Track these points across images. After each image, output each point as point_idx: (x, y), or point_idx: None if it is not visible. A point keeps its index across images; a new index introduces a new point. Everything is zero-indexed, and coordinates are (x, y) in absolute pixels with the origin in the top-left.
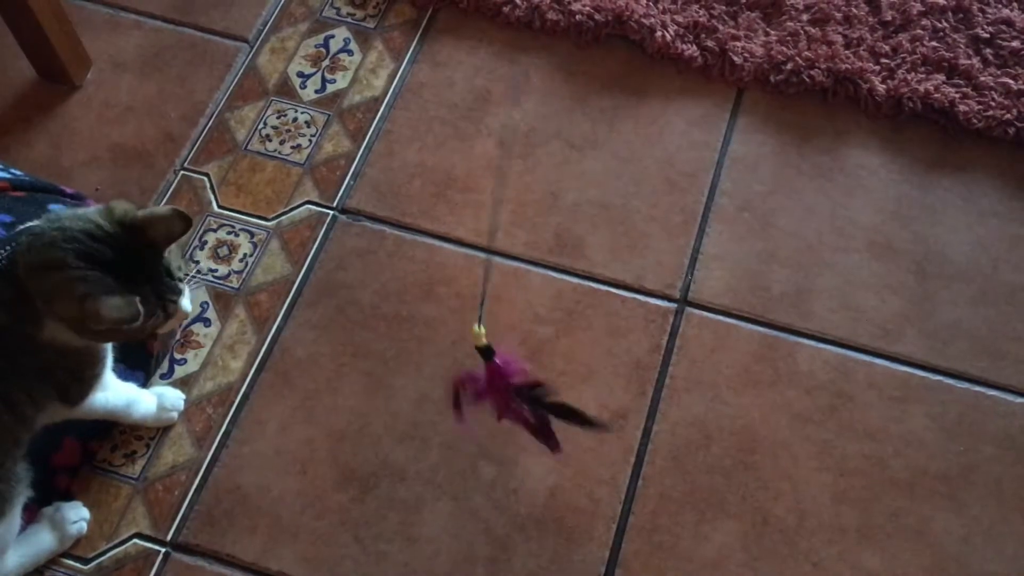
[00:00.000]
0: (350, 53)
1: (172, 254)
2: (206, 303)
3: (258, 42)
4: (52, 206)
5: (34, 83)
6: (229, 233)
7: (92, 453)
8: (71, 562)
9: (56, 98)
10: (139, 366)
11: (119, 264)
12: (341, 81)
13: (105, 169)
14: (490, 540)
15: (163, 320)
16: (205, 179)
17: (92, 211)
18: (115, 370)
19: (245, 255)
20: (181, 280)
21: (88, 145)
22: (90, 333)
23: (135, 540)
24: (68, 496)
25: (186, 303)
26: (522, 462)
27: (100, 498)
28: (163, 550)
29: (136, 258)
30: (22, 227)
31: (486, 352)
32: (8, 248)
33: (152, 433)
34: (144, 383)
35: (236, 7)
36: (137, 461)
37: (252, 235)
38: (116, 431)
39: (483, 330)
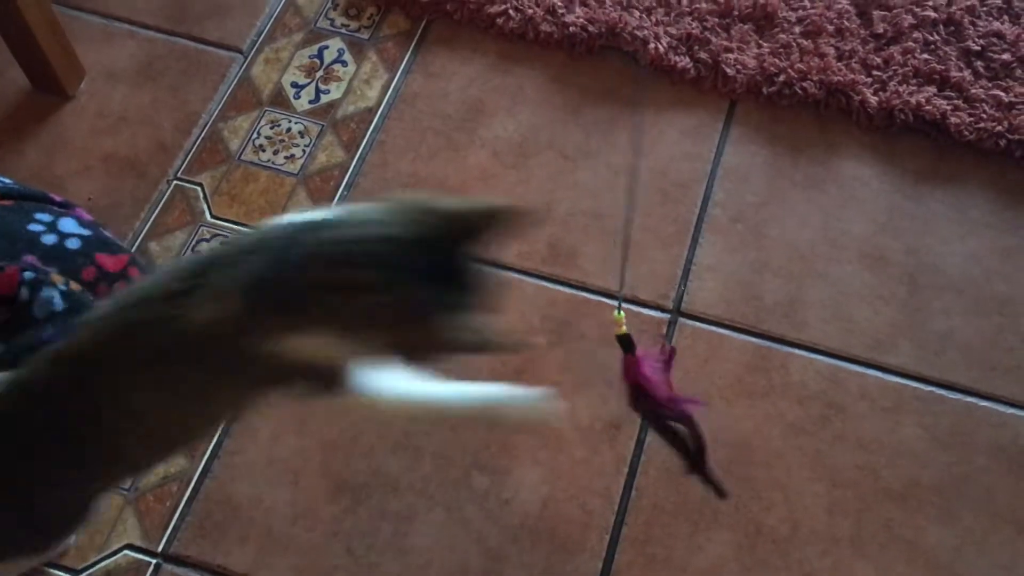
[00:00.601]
0: (344, 64)
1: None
2: None
3: (252, 52)
4: (38, 215)
5: (27, 93)
6: (222, 243)
7: None
8: (61, 573)
9: (49, 108)
10: None
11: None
12: (335, 91)
13: (98, 179)
14: (483, 551)
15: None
16: (198, 189)
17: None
18: None
19: None
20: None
21: (81, 155)
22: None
23: (126, 551)
24: None
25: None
26: (515, 472)
27: None
28: (154, 561)
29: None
30: None
31: (625, 342)
32: None
33: None
34: None
35: (230, 17)
36: None
37: None
38: None
39: (622, 316)
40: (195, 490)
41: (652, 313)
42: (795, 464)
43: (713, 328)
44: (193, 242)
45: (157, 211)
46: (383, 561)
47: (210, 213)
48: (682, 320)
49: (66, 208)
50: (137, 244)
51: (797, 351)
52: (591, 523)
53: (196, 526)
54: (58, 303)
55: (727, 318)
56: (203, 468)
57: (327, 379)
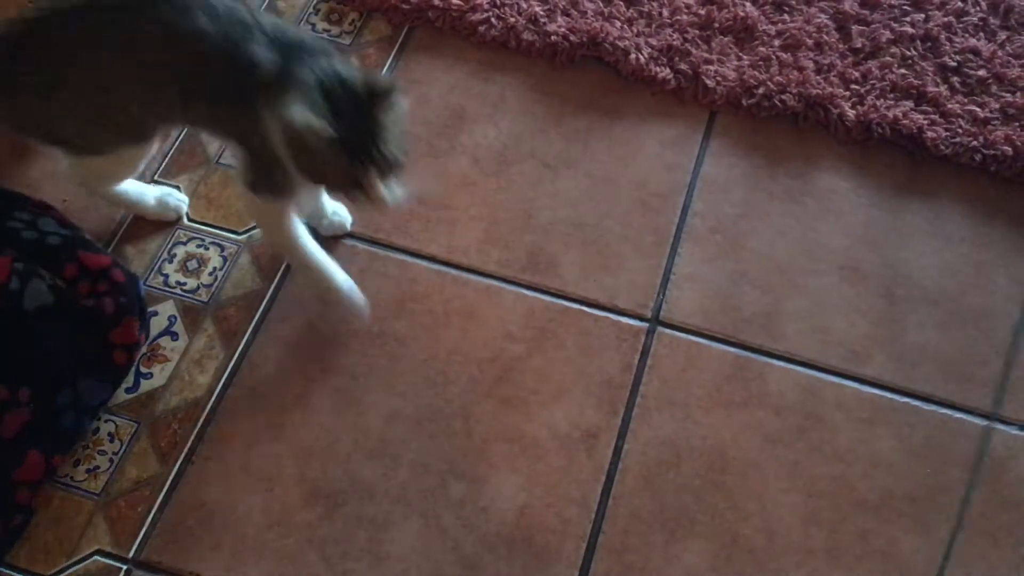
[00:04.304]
0: None
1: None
2: (174, 317)
3: None
4: (17, 213)
5: None
6: (199, 246)
7: (54, 468)
8: None
9: None
10: (105, 379)
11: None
12: None
13: (73, 181)
14: (459, 559)
15: (355, 186)
16: (176, 192)
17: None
18: (81, 386)
19: (215, 269)
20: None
21: (57, 156)
22: (293, 146)
23: (96, 557)
24: (29, 511)
25: (389, 194)
26: (492, 480)
27: (61, 514)
28: (124, 567)
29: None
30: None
31: None
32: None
33: (116, 448)
34: (111, 395)
35: None
36: (100, 476)
37: (222, 249)
38: (80, 446)
39: None
40: (168, 496)
41: (631, 322)
42: (772, 474)
43: (691, 338)
44: (169, 245)
45: (133, 216)
46: (358, 568)
47: (187, 216)
48: (660, 329)
49: (43, 210)
50: (113, 246)
51: (775, 361)
52: (568, 531)
53: (168, 532)
54: (48, 297)
55: (705, 328)
56: (176, 473)
57: (273, 171)
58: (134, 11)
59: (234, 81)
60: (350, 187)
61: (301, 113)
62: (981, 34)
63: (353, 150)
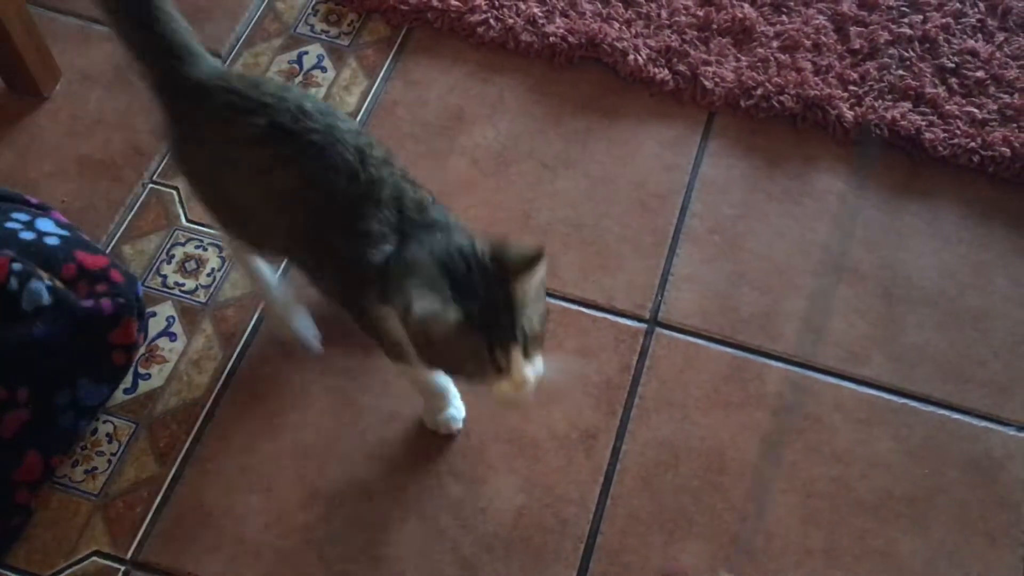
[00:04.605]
0: (324, 70)
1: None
2: (172, 317)
3: (231, 57)
4: (15, 214)
5: (1, 94)
6: (197, 247)
7: (53, 468)
8: None
9: (24, 109)
10: (104, 379)
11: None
12: None
13: (72, 181)
14: (457, 559)
15: (494, 370)
16: (174, 193)
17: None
18: (79, 386)
19: (213, 270)
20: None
21: (55, 157)
22: (417, 337)
23: (94, 557)
24: (27, 512)
25: (529, 371)
26: (491, 481)
27: (59, 514)
28: (122, 568)
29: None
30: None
31: None
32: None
33: (114, 449)
34: (109, 396)
35: (209, 22)
36: (98, 477)
37: (221, 250)
38: (78, 446)
39: None
40: (166, 496)
41: (629, 323)
42: (769, 475)
43: (690, 338)
44: (168, 246)
45: (132, 214)
46: (356, 569)
47: (185, 217)
48: (659, 330)
49: (43, 210)
50: (111, 247)
51: (773, 362)
52: (566, 532)
53: (166, 533)
54: (46, 297)
55: (704, 328)
56: (174, 474)
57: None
58: (288, 141)
59: (342, 254)
60: (490, 372)
61: (421, 302)
62: (979, 35)
63: (490, 330)
